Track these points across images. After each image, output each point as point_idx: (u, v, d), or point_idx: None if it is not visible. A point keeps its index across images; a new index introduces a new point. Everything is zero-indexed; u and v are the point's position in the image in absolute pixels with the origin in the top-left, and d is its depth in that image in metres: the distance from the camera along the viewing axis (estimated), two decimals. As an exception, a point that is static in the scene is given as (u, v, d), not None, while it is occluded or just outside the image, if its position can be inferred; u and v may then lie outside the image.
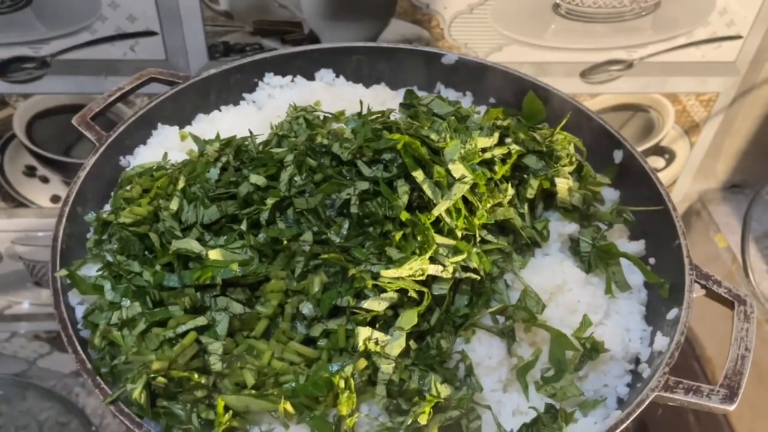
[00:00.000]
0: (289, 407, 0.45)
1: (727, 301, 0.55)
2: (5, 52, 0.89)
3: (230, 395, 0.44)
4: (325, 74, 0.82)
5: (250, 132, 0.61)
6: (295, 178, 0.53)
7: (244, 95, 0.80)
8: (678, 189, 1.17)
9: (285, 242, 0.50)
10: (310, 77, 0.82)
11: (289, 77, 0.81)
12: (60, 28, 0.89)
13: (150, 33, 0.90)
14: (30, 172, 1.04)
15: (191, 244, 0.49)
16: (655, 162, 1.12)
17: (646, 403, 0.48)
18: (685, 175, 1.15)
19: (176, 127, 0.73)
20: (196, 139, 0.66)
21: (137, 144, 0.72)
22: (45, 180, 1.06)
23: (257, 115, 0.75)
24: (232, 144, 0.59)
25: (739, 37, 0.96)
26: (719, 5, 0.92)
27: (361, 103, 0.68)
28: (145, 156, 0.70)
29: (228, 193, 0.53)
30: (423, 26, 0.93)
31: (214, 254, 0.49)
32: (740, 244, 0.95)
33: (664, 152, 1.11)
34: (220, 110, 0.76)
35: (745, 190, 1.16)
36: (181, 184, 0.55)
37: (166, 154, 0.67)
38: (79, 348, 0.51)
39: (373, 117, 0.60)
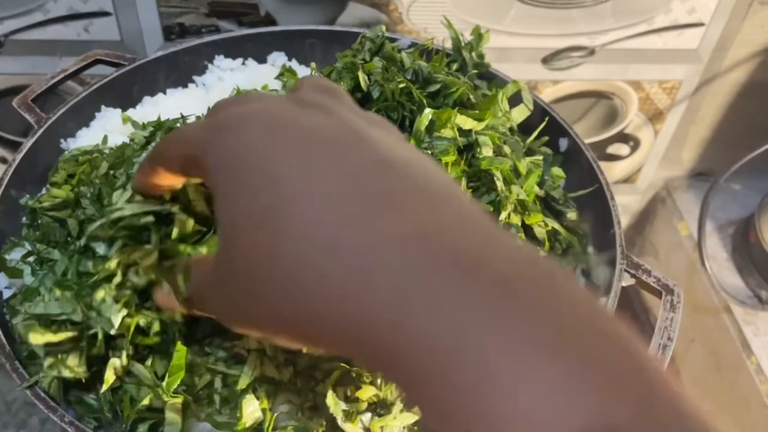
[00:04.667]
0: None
1: (655, 290, 0.55)
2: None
3: (135, 387, 0.44)
4: (277, 58, 0.81)
5: (182, 115, 0.60)
6: None
7: (194, 78, 0.79)
8: (643, 176, 1.17)
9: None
10: (263, 60, 0.81)
11: (240, 60, 0.80)
12: (12, 8, 0.88)
13: (103, 13, 0.89)
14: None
15: (106, 230, 0.48)
16: (620, 149, 1.12)
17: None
18: (651, 163, 1.15)
19: (119, 110, 0.72)
20: (134, 122, 0.65)
21: (80, 127, 0.71)
22: (3, 161, 1.05)
23: (204, 98, 0.75)
24: (163, 127, 0.58)
25: (701, 24, 0.95)
26: (680, -8, 0.91)
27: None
28: (86, 139, 0.69)
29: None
30: (381, 10, 0.92)
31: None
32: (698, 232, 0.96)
33: (629, 140, 1.11)
34: (165, 93, 0.75)
35: (711, 178, 1.15)
36: (103, 170, 0.54)
37: (106, 137, 0.67)
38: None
39: None
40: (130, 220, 0.42)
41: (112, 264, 0.43)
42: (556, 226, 0.58)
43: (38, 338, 0.44)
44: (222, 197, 0.27)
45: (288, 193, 0.25)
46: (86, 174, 0.56)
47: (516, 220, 0.55)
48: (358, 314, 0.23)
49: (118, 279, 0.43)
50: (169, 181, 0.36)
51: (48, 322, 0.45)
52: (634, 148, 1.12)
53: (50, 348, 0.45)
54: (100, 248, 0.44)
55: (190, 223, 0.44)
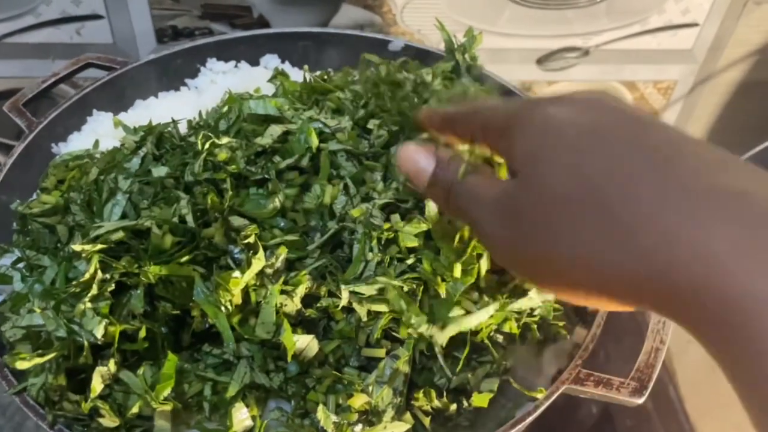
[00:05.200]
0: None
1: None
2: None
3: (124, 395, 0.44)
4: (270, 60, 0.81)
5: (173, 119, 0.60)
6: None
7: (186, 81, 0.78)
8: (639, 177, 1.17)
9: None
10: (255, 63, 0.81)
11: (232, 63, 0.80)
12: (3, 12, 0.87)
13: (96, 16, 0.89)
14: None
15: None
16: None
17: (556, 395, 0.48)
18: None
19: (111, 114, 0.72)
20: (125, 126, 0.65)
21: (71, 131, 0.71)
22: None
23: (196, 101, 0.74)
24: (153, 132, 0.58)
25: (695, 24, 0.95)
26: (674, -7, 0.91)
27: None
28: (78, 143, 0.69)
29: (144, 181, 0.53)
30: (375, 11, 0.92)
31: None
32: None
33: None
34: (157, 96, 0.75)
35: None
36: (93, 175, 0.54)
37: (97, 141, 0.66)
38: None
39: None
40: (105, 236, 0.42)
41: (87, 278, 0.43)
42: None
43: (25, 364, 0.44)
44: (538, 151, 0.31)
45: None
46: (76, 180, 0.56)
47: None
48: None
49: (94, 292, 0.43)
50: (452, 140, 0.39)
51: (36, 335, 0.45)
52: (630, 148, 1.12)
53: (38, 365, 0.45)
54: (81, 265, 0.44)
55: (168, 239, 0.44)
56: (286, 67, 0.80)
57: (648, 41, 0.96)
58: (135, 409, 0.44)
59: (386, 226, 0.48)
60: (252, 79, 0.75)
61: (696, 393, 1.05)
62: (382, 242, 0.47)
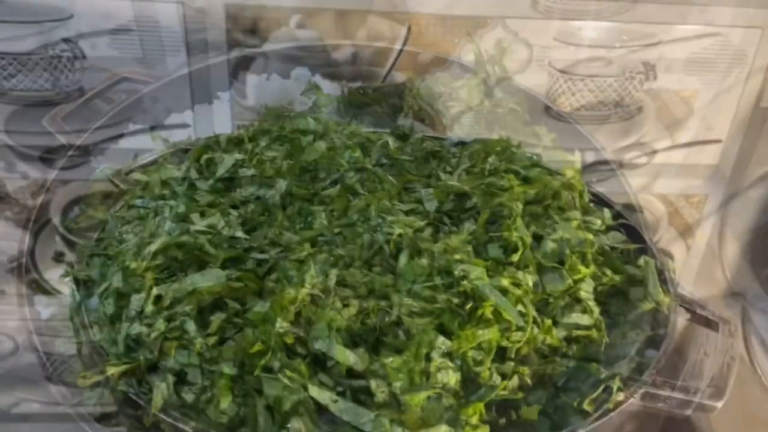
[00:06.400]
0: None
1: (712, 323, 0.58)
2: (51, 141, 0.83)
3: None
4: (300, 73, 0.82)
5: (215, 133, 0.61)
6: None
7: (219, 94, 0.79)
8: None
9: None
10: (286, 76, 0.82)
11: (264, 75, 0.81)
12: (33, 25, 0.88)
13: (125, 30, 0.89)
14: (59, 258, 0.99)
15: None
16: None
17: (635, 395, 0.49)
18: (685, 281, 1.13)
19: (147, 127, 0.73)
20: (164, 141, 0.66)
21: (109, 145, 0.72)
22: (72, 267, 1.02)
23: (231, 114, 0.75)
24: (195, 146, 0.59)
25: (719, 141, 0.96)
26: (696, 112, 0.93)
27: None
28: (116, 157, 0.70)
29: (190, 196, 0.53)
30: (400, 23, 0.92)
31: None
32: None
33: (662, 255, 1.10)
34: (192, 110, 0.76)
35: (747, 297, 1.12)
36: (138, 191, 0.55)
37: (136, 155, 0.67)
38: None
39: None
40: (158, 252, 0.43)
41: (142, 294, 0.44)
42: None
43: (86, 381, 0.45)
44: None
45: None
46: (121, 194, 0.57)
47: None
48: None
49: (150, 309, 0.44)
50: None
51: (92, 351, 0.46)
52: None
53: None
54: (134, 281, 0.45)
55: (221, 255, 0.45)
56: (317, 79, 0.81)
57: (676, 156, 0.97)
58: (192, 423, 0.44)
59: (440, 247, 0.48)
60: (285, 92, 0.76)
61: (723, 406, 1.04)
62: (435, 255, 0.48)
